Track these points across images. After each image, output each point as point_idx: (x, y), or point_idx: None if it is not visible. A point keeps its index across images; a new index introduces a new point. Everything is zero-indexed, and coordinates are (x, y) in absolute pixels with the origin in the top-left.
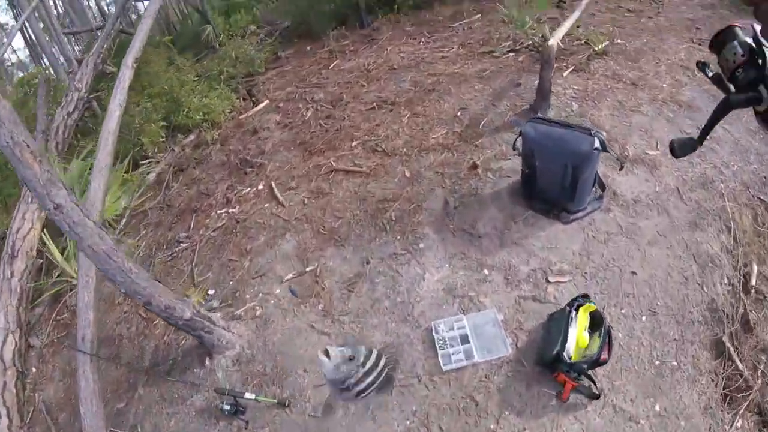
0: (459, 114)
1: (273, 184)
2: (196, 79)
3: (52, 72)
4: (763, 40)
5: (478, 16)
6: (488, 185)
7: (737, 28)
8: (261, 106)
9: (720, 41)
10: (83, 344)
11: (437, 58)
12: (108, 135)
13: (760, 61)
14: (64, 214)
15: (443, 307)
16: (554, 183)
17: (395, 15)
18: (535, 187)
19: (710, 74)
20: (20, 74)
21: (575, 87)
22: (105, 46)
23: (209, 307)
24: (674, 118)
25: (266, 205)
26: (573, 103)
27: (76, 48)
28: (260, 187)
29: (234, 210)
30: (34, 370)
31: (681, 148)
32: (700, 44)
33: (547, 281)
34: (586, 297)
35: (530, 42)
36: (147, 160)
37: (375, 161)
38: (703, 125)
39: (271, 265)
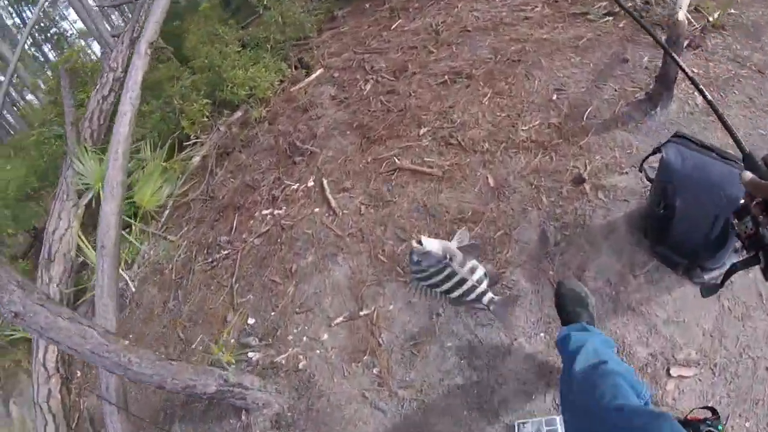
0: (555, 97)
1: (325, 182)
2: (240, 49)
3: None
4: None
5: None
6: (599, 212)
7: None
8: (314, 75)
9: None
10: (108, 393)
11: (519, 18)
12: (119, 144)
13: None
14: (28, 321)
15: (533, 398)
16: (696, 232)
17: None
18: (668, 233)
19: None
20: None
21: (695, 71)
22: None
23: (246, 343)
24: None
25: (316, 209)
26: (697, 96)
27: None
28: (310, 183)
29: (280, 212)
30: (78, 374)
31: (707, 291)
32: None
33: (668, 374)
34: (715, 415)
35: (632, 3)
36: (191, 141)
37: (449, 159)
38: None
39: (318, 298)
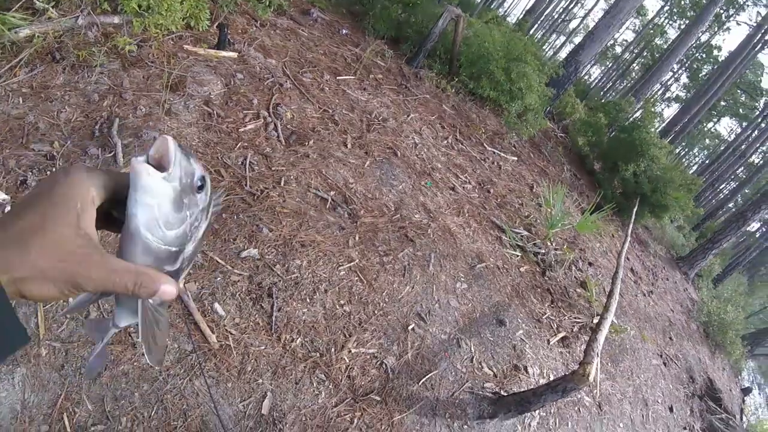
0: (412, 327)
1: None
2: None
3: None
4: None
5: (515, 159)
6: None
7: None
8: (222, 54)
9: None
10: None
11: (448, 179)
12: None
13: None
14: None
15: None
16: None
17: (448, 79)
18: None
19: None
20: None
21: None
22: None
23: None
24: None
25: None
26: (534, 420)
27: None
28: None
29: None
30: None
31: None
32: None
33: None
34: None
35: (542, 252)
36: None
37: (244, 322)
38: None
39: None
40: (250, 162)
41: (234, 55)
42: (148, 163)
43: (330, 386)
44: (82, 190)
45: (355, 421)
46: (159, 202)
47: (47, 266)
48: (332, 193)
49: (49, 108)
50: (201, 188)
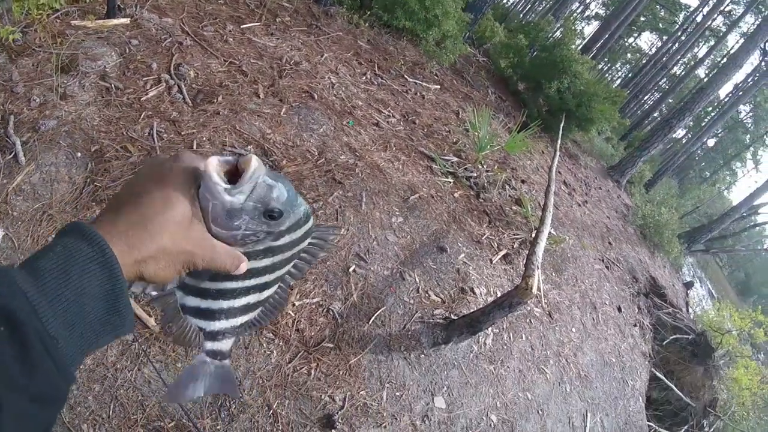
0: (353, 269)
1: None
2: None
3: None
4: None
5: (437, 87)
6: None
7: None
8: (114, 21)
9: None
10: None
11: (370, 116)
12: None
13: None
14: None
15: None
16: None
17: (360, 14)
18: None
19: None
20: None
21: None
22: None
23: None
24: None
25: None
26: (488, 337)
27: None
28: None
29: None
30: None
31: None
32: None
33: None
34: None
35: (474, 176)
36: None
37: None
38: None
39: None
40: (157, 131)
41: (126, 21)
42: (235, 163)
43: (280, 344)
44: (195, 173)
45: (312, 372)
46: (215, 204)
47: (172, 247)
48: (250, 147)
49: None
50: (272, 218)
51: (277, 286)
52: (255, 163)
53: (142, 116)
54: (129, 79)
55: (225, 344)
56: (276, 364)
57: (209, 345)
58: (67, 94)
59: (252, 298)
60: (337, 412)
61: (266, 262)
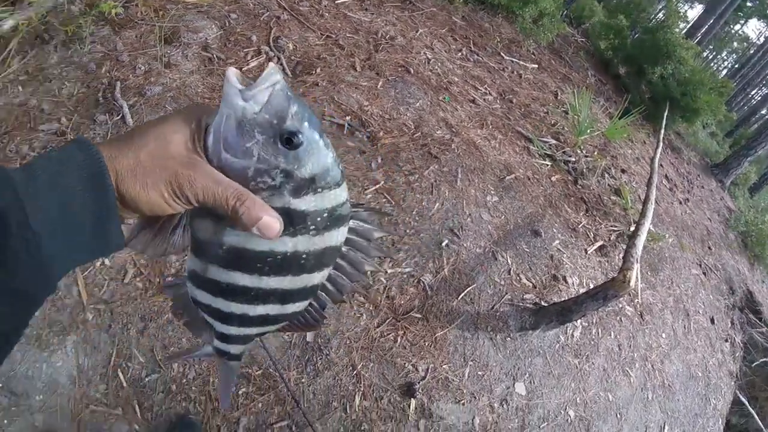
0: (445, 243)
1: None
2: None
3: None
4: None
5: (535, 66)
6: None
7: None
8: None
9: None
10: None
11: (467, 92)
12: None
13: None
14: None
15: None
16: None
17: None
18: None
19: None
20: None
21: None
22: None
23: None
24: None
25: None
26: (576, 330)
27: None
28: None
29: None
30: None
31: None
32: None
33: None
34: None
35: (573, 161)
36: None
37: None
38: None
39: None
40: None
41: None
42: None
43: (370, 308)
44: (198, 115)
45: (399, 339)
46: (228, 114)
47: (149, 162)
48: (348, 118)
49: (50, 88)
50: (290, 143)
51: (306, 302)
52: (273, 66)
53: None
54: (230, 50)
55: (235, 348)
56: (364, 327)
57: (218, 343)
58: (171, 63)
59: (271, 309)
60: (419, 382)
61: (288, 244)
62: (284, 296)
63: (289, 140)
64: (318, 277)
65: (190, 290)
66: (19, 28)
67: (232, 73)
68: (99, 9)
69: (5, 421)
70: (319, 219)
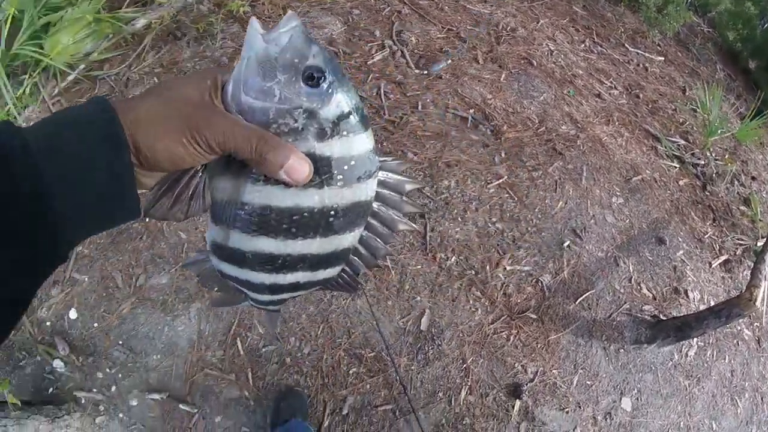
0: (567, 244)
1: None
2: None
3: None
4: None
5: (661, 59)
6: None
7: None
8: None
9: None
10: None
11: (591, 86)
12: None
13: None
14: None
15: None
16: None
17: None
18: None
19: None
20: None
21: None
22: None
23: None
24: None
25: None
26: (692, 348)
27: None
28: None
29: None
30: None
31: None
32: None
33: None
34: None
35: (702, 164)
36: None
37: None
38: None
39: None
40: (384, 91)
41: None
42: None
43: (486, 303)
44: (214, 74)
45: (511, 338)
46: (249, 56)
47: (165, 109)
48: (471, 111)
49: None
50: (312, 79)
51: (339, 267)
52: (291, 13)
53: (369, 78)
54: (355, 45)
55: (272, 306)
56: (478, 322)
57: (253, 303)
58: None
59: (301, 277)
60: (526, 384)
61: (314, 198)
62: (314, 262)
63: (312, 76)
64: (349, 239)
65: (215, 263)
66: (151, 26)
67: (256, 20)
68: (228, 8)
69: (119, 375)
70: (346, 167)
